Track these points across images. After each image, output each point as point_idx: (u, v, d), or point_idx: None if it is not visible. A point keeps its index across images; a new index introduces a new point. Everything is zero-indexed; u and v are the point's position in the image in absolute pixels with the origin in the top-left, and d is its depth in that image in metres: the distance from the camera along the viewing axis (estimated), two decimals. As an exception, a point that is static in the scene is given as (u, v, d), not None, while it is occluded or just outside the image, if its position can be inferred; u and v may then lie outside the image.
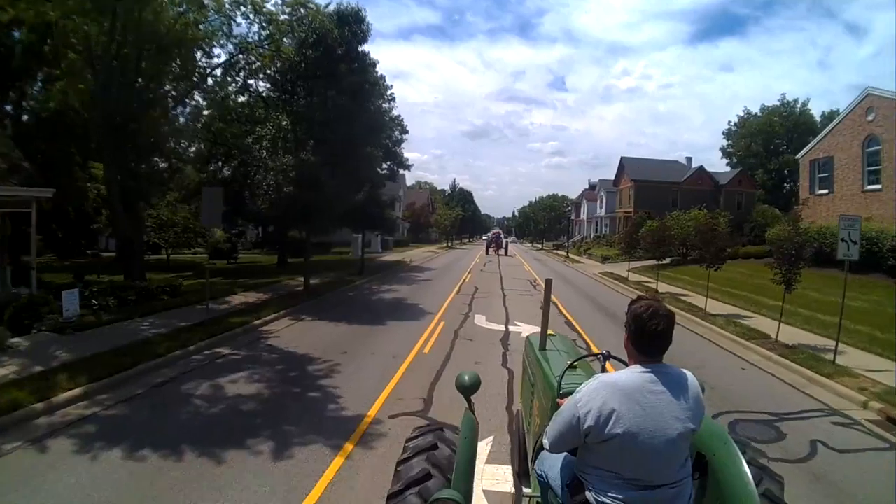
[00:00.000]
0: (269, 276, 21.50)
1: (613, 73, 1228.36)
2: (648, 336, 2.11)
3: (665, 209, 47.99)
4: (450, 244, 71.62)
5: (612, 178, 58.08)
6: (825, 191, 27.16)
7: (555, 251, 61.33)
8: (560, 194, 77.64)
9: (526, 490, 3.79)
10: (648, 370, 2.13)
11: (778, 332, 11.10)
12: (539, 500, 2.84)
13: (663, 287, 21.39)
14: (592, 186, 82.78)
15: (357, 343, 10.47)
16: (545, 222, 73.30)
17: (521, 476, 4.25)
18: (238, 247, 34.28)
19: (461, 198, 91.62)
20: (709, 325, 13.39)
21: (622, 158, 54.87)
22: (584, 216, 73.88)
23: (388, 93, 31.44)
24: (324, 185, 15.02)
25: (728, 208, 50.02)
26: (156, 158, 17.61)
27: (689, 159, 58.28)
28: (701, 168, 52.86)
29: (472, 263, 35.71)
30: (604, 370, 3.05)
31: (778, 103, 65.76)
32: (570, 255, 48.73)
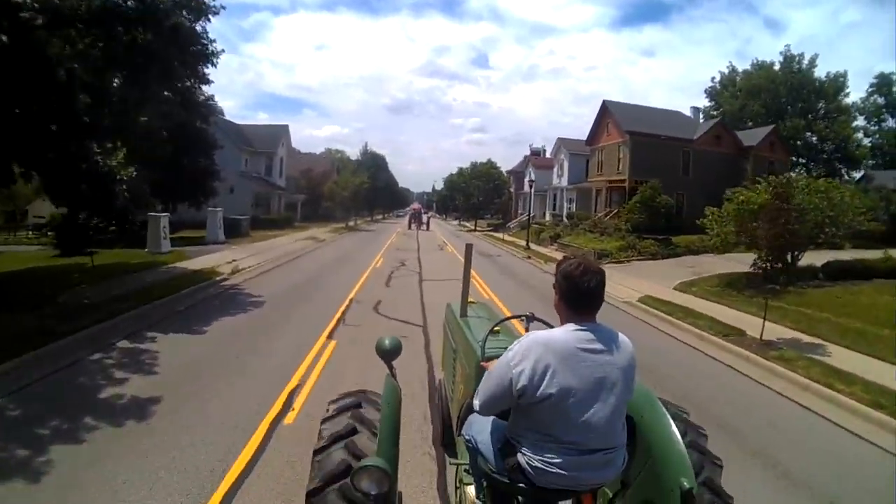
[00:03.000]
0: None
1: (538, 52, 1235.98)
2: (581, 293, 2.08)
3: (673, 177, 31.65)
4: (352, 224, 52.04)
5: (575, 136, 41.13)
6: None
7: (493, 234, 43.94)
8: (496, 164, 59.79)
9: (452, 460, 3.62)
10: (584, 328, 2.07)
11: None
12: (467, 467, 2.78)
13: None
14: (536, 152, 66.07)
15: None
16: (479, 195, 55.38)
17: (446, 447, 4.37)
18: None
19: (372, 164, 71.53)
20: None
21: (606, 103, 37.62)
22: (529, 188, 56.72)
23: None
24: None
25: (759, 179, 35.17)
26: None
27: (695, 110, 42.33)
28: (720, 122, 36.88)
29: (371, 269, 17.52)
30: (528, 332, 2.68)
31: (779, 57, 52.82)
32: (532, 246, 31.01)
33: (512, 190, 59.46)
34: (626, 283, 17.77)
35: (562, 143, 47.37)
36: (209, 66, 14.68)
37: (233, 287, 14.43)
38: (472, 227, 58.67)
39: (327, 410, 2.77)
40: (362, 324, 10.21)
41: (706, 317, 11.59)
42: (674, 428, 2.35)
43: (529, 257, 26.61)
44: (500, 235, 43.70)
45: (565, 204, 45.25)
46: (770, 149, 36.94)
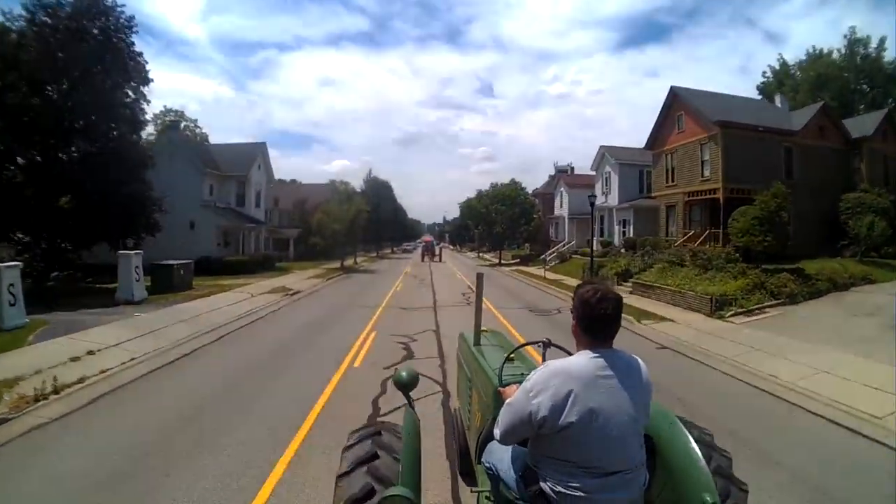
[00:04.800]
0: None
1: (543, 79, 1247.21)
2: (597, 320, 2.10)
3: (771, 181, 22.28)
4: (351, 262, 42.85)
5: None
6: None
7: (525, 269, 34.54)
8: (522, 185, 50.52)
9: (472, 489, 3.51)
10: (598, 355, 2.10)
11: None
12: (489, 494, 2.78)
13: None
14: (562, 170, 57.06)
15: None
16: (503, 222, 46.05)
17: (464, 475, 4.43)
18: None
19: (375, 192, 62.89)
20: None
21: (676, 90, 28.38)
22: (563, 211, 47.52)
23: None
24: None
25: (874, 179, 25.79)
26: None
27: (782, 98, 33.12)
28: (824, 109, 27.53)
29: (348, 363, 8.10)
30: (544, 360, 2.94)
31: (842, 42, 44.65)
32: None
33: (539, 212, 50.13)
34: (816, 365, 9.01)
35: (606, 151, 38.23)
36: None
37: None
38: (497, 261, 49.33)
39: (348, 440, 2.71)
40: None
41: None
42: (693, 445, 2.38)
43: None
44: (535, 271, 34.25)
45: (616, 227, 35.86)
46: (883, 140, 27.63)
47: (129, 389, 8.21)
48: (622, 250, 30.57)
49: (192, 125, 58.07)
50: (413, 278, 30.75)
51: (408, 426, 2.78)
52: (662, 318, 15.39)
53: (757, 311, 15.78)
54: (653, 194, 31.54)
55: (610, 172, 37.40)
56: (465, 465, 4.39)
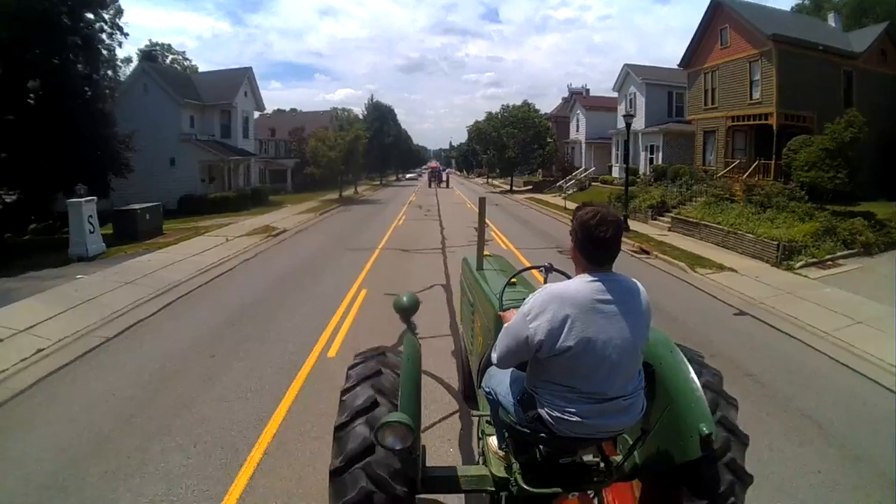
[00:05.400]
0: None
1: (549, 3, 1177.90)
2: (597, 243, 2.03)
3: (830, 110, 18.73)
4: (349, 193, 39.93)
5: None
6: None
7: (539, 197, 31.47)
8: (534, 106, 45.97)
9: (474, 412, 3.57)
10: (597, 279, 2.04)
11: None
12: (488, 419, 2.78)
13: None
14: (576, 92, 52.21)
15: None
16: (515, 146, 42.31)
17: (468, 398, 4.48)
18: None
19: (377, 117, 58.69)
20: None
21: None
22: (579, 135, 43.64)
23: None
24: None
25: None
26: None
27: (836, 15, 28.37)
28: (887, 30, 23.14)
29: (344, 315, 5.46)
30: (546, 283, 2.63)
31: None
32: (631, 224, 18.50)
33: (554, 139, 46.07)
34: None
35: (631, 70, 33.89)
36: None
37: None
38: (508, 187, 46.07)
39: (347, 378, 2.57)
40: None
41: None
42: (692, 374, 2.36)
43: (645, 253, 14.39)
44: (552, 200, 31.25)
45: (643, 154, 32.32)
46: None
47: (5, 412, 5.66)
48: (651, 180, 27.32)
49: (181, 58, 53.59)
50: (418, 209, 27.90)
51: (408, 351, 2.76)
52: (721, 267, 12.62)
53: (830, 263, 12.95)
54: (687, 118, 27.76)
55: (635, 93, 33.29)
56: (470, 390, 4.34)
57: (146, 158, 28.06)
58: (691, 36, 25.98)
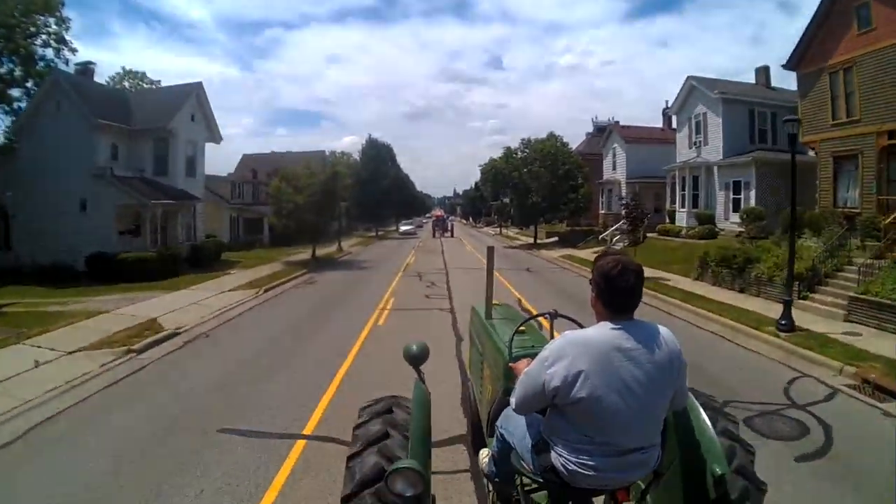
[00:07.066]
0: None
1: (553, 50, 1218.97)
2: (618, 293, 1.96)
3: None
4: (328, 251, 31.53)
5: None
6: None
7: (577, 255, 23.20)
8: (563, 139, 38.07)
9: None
10: (619, 327, 1.96)
11: None
12: (495, 453, 2.70)
13: None
14: (601, 127, 44.63)
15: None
16: (540, 189, 33.94)
17: (477, 447, 4.15)
18: None
19: (373, 156, 51.23)
20: None
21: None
22: (616, 174, 35.63)
23: None
24: None
25: None
26: None
27: None
28: None
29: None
30: (552, 330, 2.96)
31: None
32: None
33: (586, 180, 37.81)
34: None
35: (697, 84, 26.03)
36: None
37: None
38: (529, 240, 37.68)
39: (359, 416, 2.64)
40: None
41: None
42: (704, 416, 2.34)
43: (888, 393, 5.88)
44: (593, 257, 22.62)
45: (720, 194, 24.00)
46: None
47: None
48: (754, 231, 18.94)
49: (146, 84, 46.72)
50: (416, 280, 18.93)
51: (417, 399, 2.71)
52: None
53: None
54: (803, 139, 19.60)
55: (705, 113, 25.27)
56: (478, 438, 4.26)
57: (50, 201, 21.09)
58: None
